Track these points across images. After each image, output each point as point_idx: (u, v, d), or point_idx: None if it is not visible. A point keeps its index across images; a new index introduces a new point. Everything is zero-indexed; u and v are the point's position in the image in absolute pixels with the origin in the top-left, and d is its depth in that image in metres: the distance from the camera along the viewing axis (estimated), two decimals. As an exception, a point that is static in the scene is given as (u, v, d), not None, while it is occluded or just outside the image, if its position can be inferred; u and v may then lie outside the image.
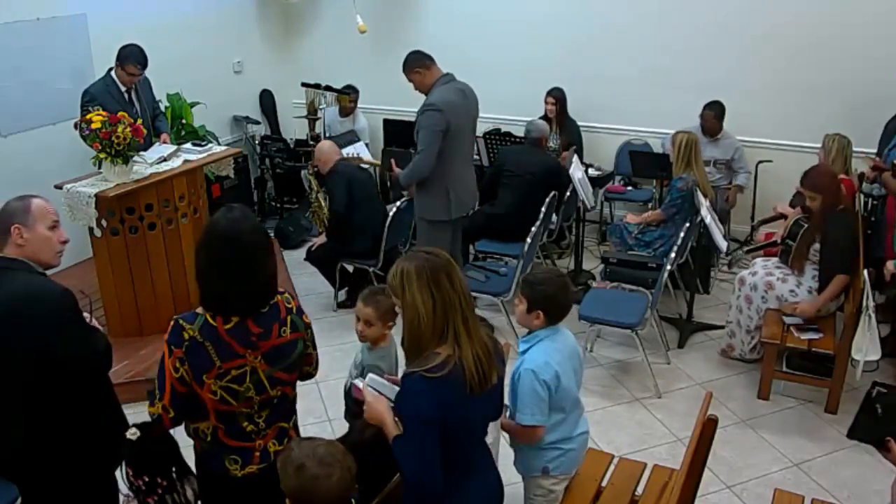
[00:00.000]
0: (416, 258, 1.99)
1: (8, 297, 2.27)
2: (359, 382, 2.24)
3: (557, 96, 6.11)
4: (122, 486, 2.29)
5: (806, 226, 4.24)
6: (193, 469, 2.33)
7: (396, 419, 2.02)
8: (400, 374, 3.04)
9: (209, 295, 2.08)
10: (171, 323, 2.08)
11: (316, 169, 6.05)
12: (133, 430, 2.24)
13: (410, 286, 1.94)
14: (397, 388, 2.08)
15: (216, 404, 2.11)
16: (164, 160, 4.61)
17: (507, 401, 2.59)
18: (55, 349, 2.30)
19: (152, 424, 2.25)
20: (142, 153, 4.60)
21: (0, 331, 2.25)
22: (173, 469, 2.24)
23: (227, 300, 2.08)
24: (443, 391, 1.91)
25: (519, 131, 6.38)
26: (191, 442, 2.29)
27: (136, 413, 3.51)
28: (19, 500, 2.50)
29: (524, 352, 2.60)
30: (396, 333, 2.79)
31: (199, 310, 2.10)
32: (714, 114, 5.62)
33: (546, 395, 2.51)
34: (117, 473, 2.29)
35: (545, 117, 6.13)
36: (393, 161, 4.76)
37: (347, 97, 6.51)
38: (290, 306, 2.22)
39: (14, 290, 2.29)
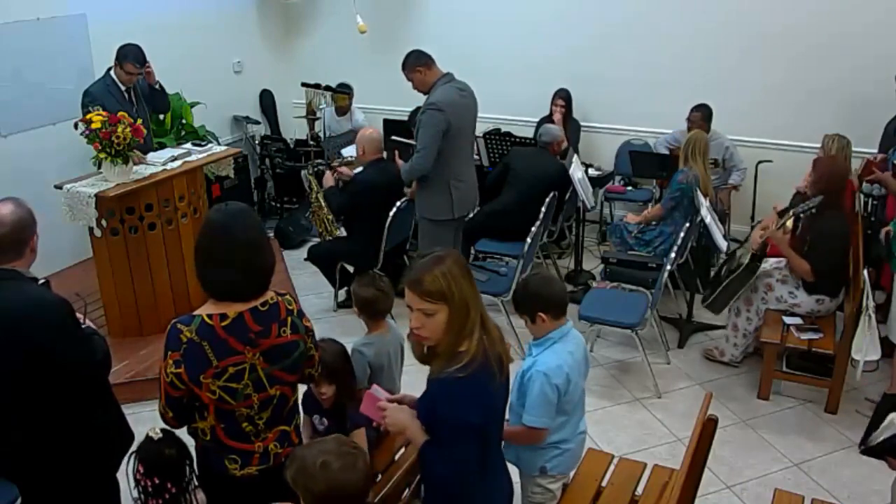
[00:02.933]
0: (445, 257, 1.95)
1: (5, 307, 2.27)
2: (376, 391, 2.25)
3: (566, 98, 6.11)
4: (131, 490, 2.29)
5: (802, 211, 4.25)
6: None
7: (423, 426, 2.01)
8: (391, 371, 3.07)
9: (203, 280, 2.12)
10: (168, 328, 2.09)
11: (316, 169, 6.06)
12: (156, 429, 2.24)
13: (459, 285, 1.91)
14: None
15: (216, 403, 2.12)
16: (175, 159, 4.63)
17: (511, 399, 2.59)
18: (54, 357, 2.31)
19: (173, 435, 2.26)
20: (150, 154, 4.63)
21: None
22: (185, 480, 2.24)
23: (217, 284, 2.10)
24: (477, 388, 1.90)
25: (519, 131, 6.39)
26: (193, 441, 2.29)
27: (137, 413, 3.52)
28: (19, 501, 2.50)
29: (536, 354, 2.58)
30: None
31: (196, 312, 2.11)
32: (701, 115, 5.56)
33: (555, 398, 2.51)
34: (127, 469, 2.28)
35: (550, 118, 6.13)
36: (396, 152, 4.74)
37: (346, 96, 6.50)
38: (290, 308, 2.22)
39: (11, 300, 2.29)
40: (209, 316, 2.08)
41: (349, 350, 2.88)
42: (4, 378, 2.30)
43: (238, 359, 2.09)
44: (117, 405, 2.65)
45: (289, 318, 2.20)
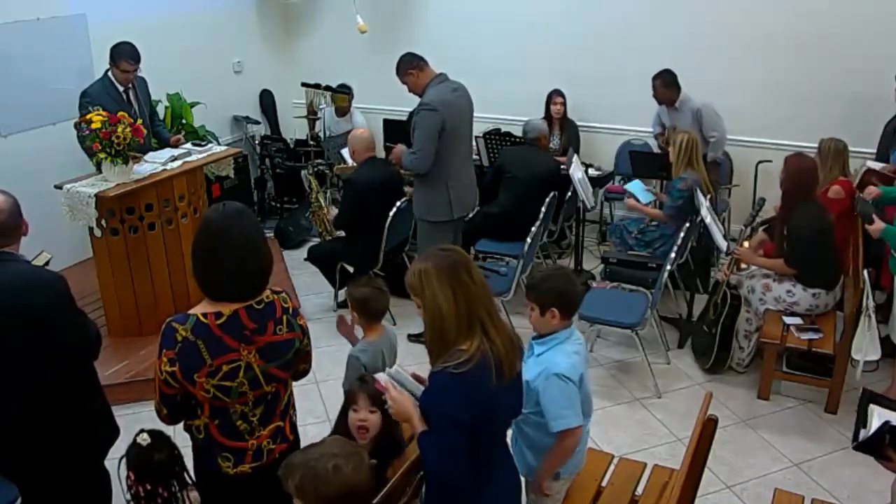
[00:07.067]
0: (433, 256, 2.02)
1: (6, 281, 2.34)
2: (380, 377, 2.24)
3: (565, 97, 6.11)
4: (123, 493, 2.29)
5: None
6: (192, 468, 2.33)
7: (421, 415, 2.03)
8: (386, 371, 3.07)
9: (200, 280, 2.11)
10: (164, 326, 2.09)
11: (316, 169, 6.07)
12: (144, 435, 2.23)
13: (430, 284, 1.96)
14: (421, 386, 2.09)
15: (210, 401, 2.12)
16: (175, 159, 4.62)
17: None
18: (53, 329, 2.36)
19: (163, 435, 2.25)
20: (151, 154, 4.62)
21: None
22: (174, 481, 2.24)
23: (213, 284, 2.10)
24: (470, 387, 1.93)
25: (519, 131, 6.38)
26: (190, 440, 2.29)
27: (136, 413, 3.52)
28: (19, 501, 2.51)
29: (540, 354, 2.55)
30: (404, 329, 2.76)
31: (192, 311, 2.11)
32: (661, 82, 5.46)
33: (577, 393, 2.49)
34: (119, 473, 2.29)
35: (548, 118, 6.13)
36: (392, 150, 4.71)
37: (346, 96, 6.50)
38: (286, 306, 2.23)
39: (8, 279, 2.35)
40: (204, 315, 2.08)
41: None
42: (5, 353, 2.33)
43: (232, 356, 2.09)
44: (103, 394, 2.70)
45: (284, 317, 2.21)
